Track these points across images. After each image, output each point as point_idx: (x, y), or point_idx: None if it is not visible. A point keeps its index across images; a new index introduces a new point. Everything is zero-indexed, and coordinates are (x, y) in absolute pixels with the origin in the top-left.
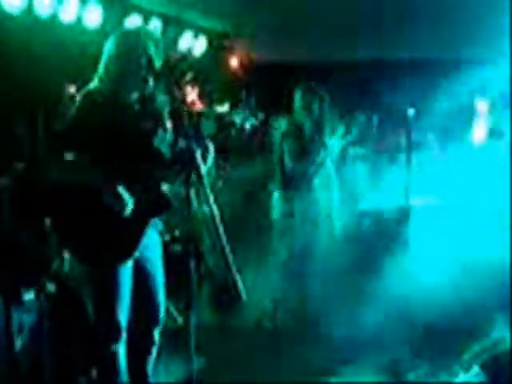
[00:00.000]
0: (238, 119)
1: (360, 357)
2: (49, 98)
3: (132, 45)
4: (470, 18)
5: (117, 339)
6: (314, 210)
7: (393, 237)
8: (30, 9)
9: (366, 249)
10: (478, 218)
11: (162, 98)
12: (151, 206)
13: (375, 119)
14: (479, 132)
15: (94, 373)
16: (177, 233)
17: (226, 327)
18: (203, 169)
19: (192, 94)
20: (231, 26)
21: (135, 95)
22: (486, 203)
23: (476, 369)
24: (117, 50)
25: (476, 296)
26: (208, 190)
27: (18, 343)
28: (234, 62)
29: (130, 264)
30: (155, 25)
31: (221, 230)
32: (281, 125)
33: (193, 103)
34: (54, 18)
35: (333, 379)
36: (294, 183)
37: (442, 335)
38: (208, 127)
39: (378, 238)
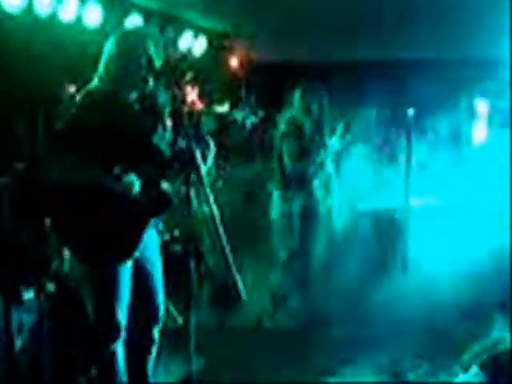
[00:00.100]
0: (238, 117)
1: (360, 357)
2: (48, 97)
3: (132, 44)
4: (470, 18)
5: (116, 339)
6: (314, 210)
7: (392, 237)
8: (29, 8)
9: (366, 249)
10: (477, 218)
11: (162, 98)
12: (152, 204)
13: (375, 119)
14: (479, 132)
15: (94, 372)
16: (177, 233)
17: (226, 327)
18: (203, 169)
19: (192, 94)
20: (231, 25)
21: (135, 95)
22: (486, 203)
23: (475, 369)
24: (117, 49)
25: (476, 296)
26: (208, 190)
27: (18, 343)
28: (233, 61)
29: (129, 264)
30: (155, 24)
31: (220, 229)
32: (282, 124)
33: (193, 103)
34: (53, 17)
35: (333, 379)
36: (294, 183)
37: (441, 335)
38: (208, 124)
39: (378, 238)
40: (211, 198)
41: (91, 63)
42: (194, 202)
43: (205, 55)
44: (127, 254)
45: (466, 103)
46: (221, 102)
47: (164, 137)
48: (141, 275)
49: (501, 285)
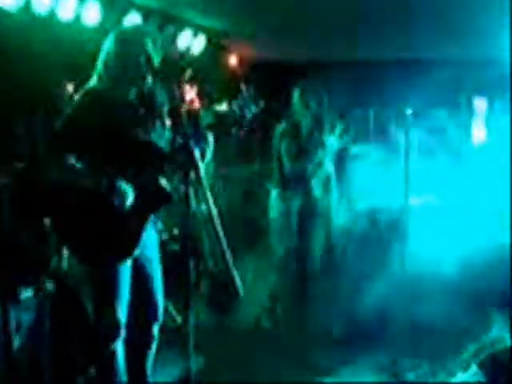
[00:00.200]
0: (236, 108)
1: (360, 357)
2: (47, 96)
3: (131, 43)
4: (470, 18)
5: (116, 338)
6: (313, 209)
7: (392, 236)
8: (27, 6)
9: (365, 248)
10: (477, 217)
11: (160, 96)
12: (150, 199)
13: (374, 119)
14: (479, 132)
15: (93, 372)
16: (175, 232)
17: (225, 327)
18: (202, 168)
19: (191, 93)
20: (230, 24)
21: (134, 93)
22: (486, 203)
23: (474, 368)
24: (116, 48)
25: (475, 295)
26: (207, 189)
27: (16, 342)
28: (232, 60)
29: (129, 263)
30: (154, 23)
31: (219, 228)
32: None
33: (192, 101)
34: (52, 15)
35: (333, 379)
36: (293, 182)
37: (441, 335)
38: (206, 118)
39: (377, 238)
40: (210, 198)
41: (90, 62)
42: (193, 202)
43: (203, 54)
44: (127, 254)
45: (466, 103)
46: (220, 100)
47: (163, 135)
48: (140, 274)
49: (500, 284)
